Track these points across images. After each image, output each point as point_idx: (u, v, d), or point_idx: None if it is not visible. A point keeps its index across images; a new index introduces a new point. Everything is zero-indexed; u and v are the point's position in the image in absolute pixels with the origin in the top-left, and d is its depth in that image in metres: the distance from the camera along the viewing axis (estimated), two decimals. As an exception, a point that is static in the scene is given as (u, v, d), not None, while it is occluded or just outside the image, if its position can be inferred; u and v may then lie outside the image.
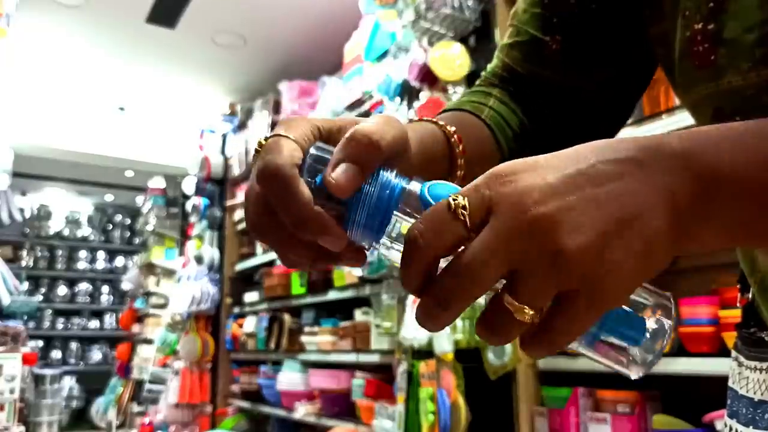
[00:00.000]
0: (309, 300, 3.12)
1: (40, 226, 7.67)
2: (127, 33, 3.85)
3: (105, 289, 8.11)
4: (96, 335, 7.97)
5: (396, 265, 0.38)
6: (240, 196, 4.15)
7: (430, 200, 0.36)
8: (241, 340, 3.82)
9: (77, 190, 7.84)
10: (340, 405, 2.72)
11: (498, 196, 0.32)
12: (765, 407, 0.48)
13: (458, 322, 1.93)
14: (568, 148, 0.35)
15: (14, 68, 4.26)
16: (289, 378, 3.08)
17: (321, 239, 0.37)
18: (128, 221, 8.40)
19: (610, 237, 0.31)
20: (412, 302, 2.06)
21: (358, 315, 2.72)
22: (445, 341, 1.89)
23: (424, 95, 2.15)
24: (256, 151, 0.39)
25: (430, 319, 0.34)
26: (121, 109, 5.15)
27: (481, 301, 0.35)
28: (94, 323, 7.99)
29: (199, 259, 4.19)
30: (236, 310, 4.06)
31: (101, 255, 8.22)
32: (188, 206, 4.63)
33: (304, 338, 3.07)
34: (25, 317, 6.22)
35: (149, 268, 5.68)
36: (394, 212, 0.37)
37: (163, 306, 5.18)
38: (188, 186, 4.58)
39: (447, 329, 1.91)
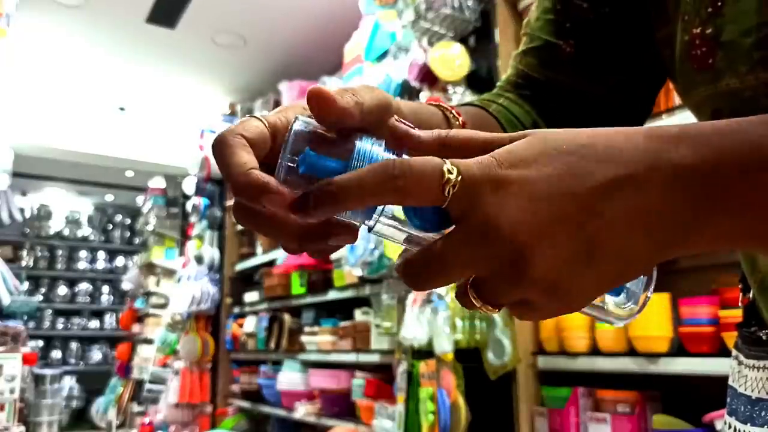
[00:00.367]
0: (309, 300, 3.12)
1: (40, 226, 7.67)
2: (128, 33, 3.85)
3: (105, 289, 8.11)
4: (96, 335, 7.97)
5: (390, 242, 0.38)
6: (240, 196, 4.16)
7: None
8: (241, 340, 3.82)
9: (77, 190, 7.85)
10: (340, 405, 2.73)
11: (482, 201, 0.32)
12: (763, 405, 0.49)
13: (458, 322, 1.93)
14: (580, 137, 0.34)
15: (14, 68, 4.26)
16: (289, 378, 3.08)
17: (264, 200, 0.34)
18: (128, 221, 8.40)
19: (581, 266, 0.32)
20: (411, 302, 2.06)
21: (358, 315, 2.73)
22: (445, 341, 1.90)
23: (424, 95, 2.15)
24: None
25: (406, 274, 0.34)
26: (122, 109, 5.15)
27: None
28: (94, 323, 7.99)
29: (199, 259, 4.20)
30: (236, 310, 4.06)
31: (101, 255, 8.23)
32: (188, 206, 4.63)
33: (304, 338, 3.07)
34: (25, 317, 6.23)
35: (149, 268, 5.68)
36: None
37: (163, 306, 5.18)
38: (188, 186, 4.58)
39: (447, 329, 1.91)
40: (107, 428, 5.74)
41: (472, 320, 1.93)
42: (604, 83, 0.61)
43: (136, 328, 5.84)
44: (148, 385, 4.90)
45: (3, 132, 4.56)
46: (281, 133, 0.38)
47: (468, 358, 1.94)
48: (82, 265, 8.01)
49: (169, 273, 5.31)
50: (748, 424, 0.50)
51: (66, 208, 8.21)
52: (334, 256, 2.89)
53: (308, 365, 3.08)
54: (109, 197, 8.25)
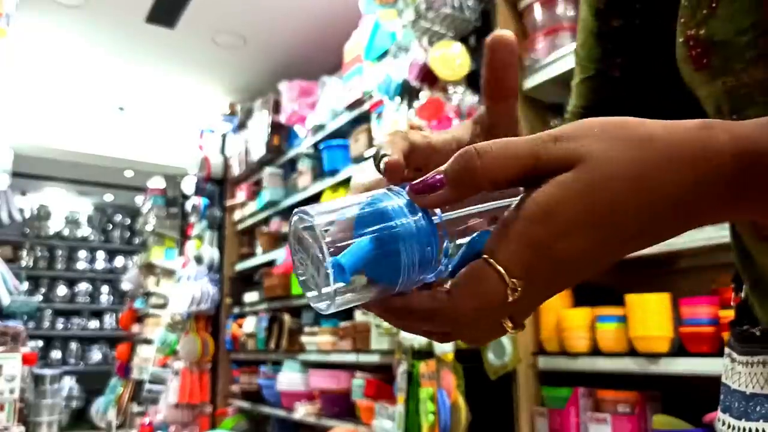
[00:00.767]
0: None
1: (39, 226, 7.67)
2: (127, 33, 3.85)
3: (105, 289, 8.11)
4: (96, 335, 7.97)
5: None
6: (240, 196, 4.16)
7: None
8: (241, 340, 3.82)
9: (77, 190, 7.85)
10: (340, 405, 2.72)
11: (541, 271, 0.32)
12: (757, 400, 0.50)
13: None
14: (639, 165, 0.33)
15: (14, 68, 4.26)
16: (289, 378, 3.08)
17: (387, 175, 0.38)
18: (128, 221, 8.40)
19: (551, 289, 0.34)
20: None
21: (358, 315, 2.73)
22: (445, 341, 1.89)
23: (424, 95, 2.15)
24: None
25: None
26: (121, 109, 5.15)
27: None
28: (93, 323, 7.99)
29: (198, 259, 4.19)
30: (236, 310, 4.06)
31: (101, 255, 8.23)
32: (188, 206, 4.63)
33: (304, 338, 3.07)
34: (25, 317, 6.22)
35: (149, 268, 5.68)
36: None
37: (162, 306, 5.18)
38: (188, 186, 4.58)
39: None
40: (107, 428, 5.74)
41: (472, 320, 1.92)
42: (659, 95, 0.62)
43: (135, 328, 5.84)
44: (147, 386, 4.90)
45: (3, 132, 4.56)
46: (436, 150, 0.41)
47: (468, 358, 1.94)
48: (81, 265, 8.01)
49: (169, 273, 5.31)
50: (743, 420, 0.51)
51: (65, 208, 8.21)
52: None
53: (308, 365, 3.08)
54: (109, 197, 8.25)
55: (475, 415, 1.92)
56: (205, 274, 4.18)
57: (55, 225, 7.96)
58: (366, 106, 2.82)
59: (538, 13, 2.04)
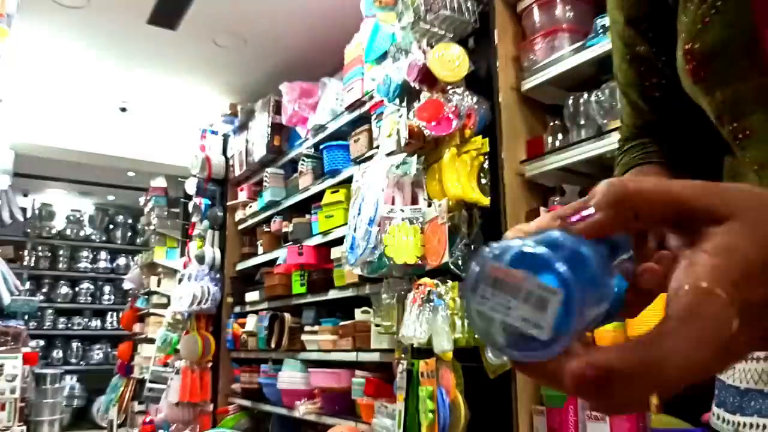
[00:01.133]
0: (309, 299, 3.14)
1: (42, 226, 7.68)
2: (129, 34, 3.87)
3: (107, 288, 8.12)
4: (97, 335, 7.99)
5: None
6: (241, 196, 4.17)
7: None
8: (242, 339, 3.84)
9: (79, 190, 7.86)
10: (341, 403, 2.74)
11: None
12: (751, 395, 0.51)
13: (458, 321, 1.94)
14: None
15: (16, 69, 4.28)
16: (290, 377, 3.09)
17: None
18: (130, 221, 8.42)
19: None
20: (411, 302, 2.07)
21: (358, 314, 2.74)
22: (444, 340, 1.91)
23: (424, 96, 2.16)
24: None
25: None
26: (123, 109, 5.17)
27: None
28: (95, 323, 8.00)
29: (200, 259, 4.21)
30: (237, 309, 4.07)
31: (103, 255, 8.24)
32: (190, 206, 4.64)
33: (304, 337, 3.09)
34: (26, 317, 6.24)
35: (151, 268, 5.70)
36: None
37: (164, 305, 5.20)
38: (190, 186, 4.59)
39: (446, 328, 1.92)
40: (108, 427, 5.76)
41: (471, 319, 1.93)
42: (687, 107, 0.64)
43: (137, 327, 5.85)
44: (149, 384, 4.91)
45: (5, 132, 4.58)
46: None
47: (467, 357, 1.95)
48: (83, 264, 8.02)
49: (171, 272, 5.33)
50: (738, 414, 0.52)
51: (67, 208, 8.23)
52: (334, 255, 2.91)
53: (309, 364, 3.09)
54: (111, 197, 8.27)
55: (474, 413, 1.93)
56: (206, 274, 4.20)
57: (57, 225, 7.98)
58: (366, 107, 2.83)
59: (536, 14, 2.06)
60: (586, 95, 1.92)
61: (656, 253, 0.34)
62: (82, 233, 8.13)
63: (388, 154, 2.33)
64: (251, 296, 3.82)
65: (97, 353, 7.85)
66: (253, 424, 3.81)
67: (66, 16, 3.65)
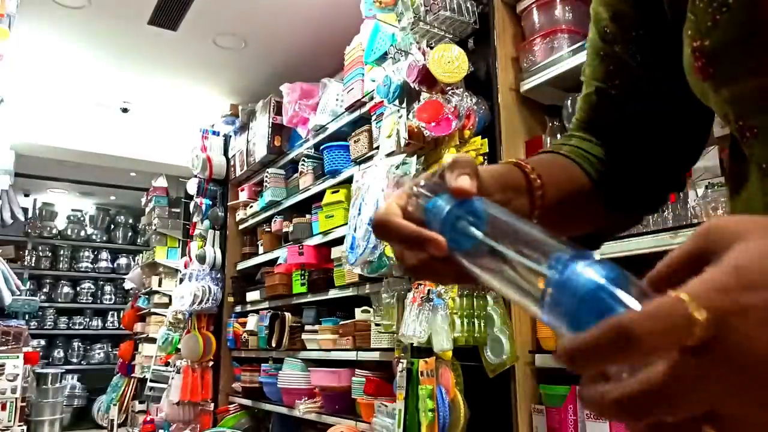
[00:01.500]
0: (310, 299, 3.15)
1: (43, 225, 7.69)
2: (130, 35, 3.87)
3: (108, 288, 8.13)
4: (98, 334, 8.00)
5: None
6: (242, 197, 4.19)
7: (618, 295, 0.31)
8: (243, 338, 3.85)
9: (80, 190, 7.87)
10: (341, 402, 2.75)
11: (736, 329, 0.28)
12: None
13: (457, 320, 1.95)
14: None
15: (17, 69, 4.29)
16: (291, 376, 3.10)
17: (427, 249, 0.46)
18: (131, 221, 8.43)
19: None
20: (411, 301, 2.08)
21: (359, 313, 2.75)
22: (444, 339, 1.92)
23: (424, 97, 2.17)
24: None
25: (599, 410, 0.31)
26: (124, 110, 5.18)
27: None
28: (96, 322, 8.02)
29: (201, 259, 4.22)
30: (238, 308, 4.08)
31: (104, 255, 8.25)
32: (191, 206, 4.66)
33: (305, 336, 3.10)
34: (27, 317, 6.25)
35: (152, 268, 5.71)
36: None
37: (165, 305, 5.21)
38: (191, 186, 4.61)
39: (446, 327, 1.93)
40: (109, 427, 5.77)
41: (470, 319, 1.95)
42: (657, 114, 0.66)
43: (138, 327, 5.86)
44: (150, 384, 4.92)
45: (6, 132, 4.59)
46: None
47: (467, 356, 1.96)
48: (84, 264, 8.03)
49: (172, 272, 5.34)
50: None
51: (69, 208, 8.24)
52: (334, 255, 2.92)
53: (309, 363, 3.10)
54: (112, 197, 8.28)
55: (474, 412, 1.94)
56: (207, 273, 4.21)
57: (58, 225, 7.99)
58: (366, 108, 2.85)
59: (535, 15, 2.06)
60: (584, 96, 1.92)
61: None
62: (83, 233, 8.14)
63: (388, 155, 2.34)
64: (252, 296, 3.83)
65: (98, 353, 7.86)
66: (254, 423, 3.82)
67: (67, 16, 3.66)
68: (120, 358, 6.11)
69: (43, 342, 7.40)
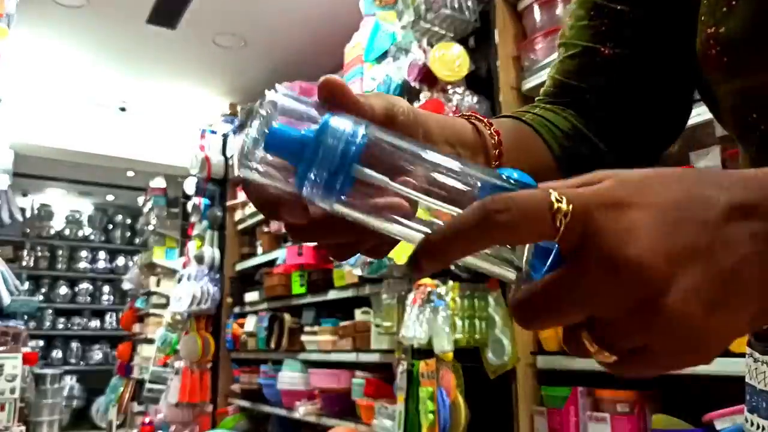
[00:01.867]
0: (309, 300, 3.13)
1: (41, 226, 7.68)
2: (128, 34, 3.86)
3: (106, 288, 8.12)
4: (97, 335, 7.98)
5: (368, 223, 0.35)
6: (241, 196, 4.17)
7: (506, 183, 0.32)
8: (242, 339, 3.83)
9: (78, 190, 7.86)
10: (341, 404, 2.73)
11: (603, 227, 0.29)
12: None
13: (458, 321, 1.94)
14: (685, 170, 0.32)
15: (16, 68, 4.27)
16: (290, 377, 3.08)
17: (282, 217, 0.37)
18: (129, 221, 8.41)
19: (718, 305, 0.29)
20: (411, 302, 2.07)
21: (358, 314, 2.73)
22: (444, 340, 1.90)
23: (424, 96, 2.15)
24: None
25: (518, 315, 0.31)
26: (122, 109, 5.17)
27: None
28: (94, 323, 8.00)
29: (199, 259, 4.21)
30: (237, 309, 4.07)
31: (102, 255, 8.24)
32: (189, 206, 4.64)
33: (304, 338, 3.08)
34: (26, 317, 6.23)
35: (150, 268, 5.69)
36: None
37: (163, 306, 5.19)
38: (189, 186, 4.59)
39: (446, 329, 1.92)
40: (108, 428, 5.75)
41: (471, 320, 1.93)
42: (646, 84, 0.60)
43: (136, 327, 5.85)
44: (148, 385, 4.90)
45: (4, 132, 4.57)
46: None
47: (468, 357, 1.95)
48: (82, 265, 8.02)
49: (170, 273, 5.32)
50: None
51: (67, 208, 8.22)
52: (334, 256, 2.90)
53: (308, 365, 3.08)
54: (110, 197, 8.26)
55: (475, 414, 1.93)
56: (205, 274, 4.20)
57: (56, 225, 7.97)
58: (366, 107, 2.82)
59: (537, 14, 2.05)
60: (586, 95, 1.91)
61: None
62: (81, 233, 8.13)
63: (388, 154, 2.32)
64: (251, 296, 3.82)
65: (97, 353, 7.85)
66: (253, 425, 3.81)
67: (65, 15, 3.64)
68: (118, 359, 6.09)
69: (41, 343, 7.38)
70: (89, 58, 4.23)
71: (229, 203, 4.31)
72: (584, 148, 0.60)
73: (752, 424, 0.52)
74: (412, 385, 2.05)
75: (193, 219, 4.55)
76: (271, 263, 3.63)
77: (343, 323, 2.82)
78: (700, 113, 1.05)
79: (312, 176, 0.33)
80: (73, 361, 7.67)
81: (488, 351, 1.89)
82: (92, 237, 8.22)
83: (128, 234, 8.43)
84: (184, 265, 4.50)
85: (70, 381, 7.27)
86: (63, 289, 7.82)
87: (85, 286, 7.96)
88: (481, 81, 2.11)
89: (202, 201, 4.42)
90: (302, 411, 2.91)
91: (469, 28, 2.14)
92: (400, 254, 2.08)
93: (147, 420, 4.70)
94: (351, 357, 2.68)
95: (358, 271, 2.44)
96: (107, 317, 8.09)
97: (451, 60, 2.06)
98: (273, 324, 3.43)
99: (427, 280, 2.05)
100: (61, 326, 7.73)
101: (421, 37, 2.16)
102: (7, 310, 4.61)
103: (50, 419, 5.94)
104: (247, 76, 4.38)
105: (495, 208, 0.29)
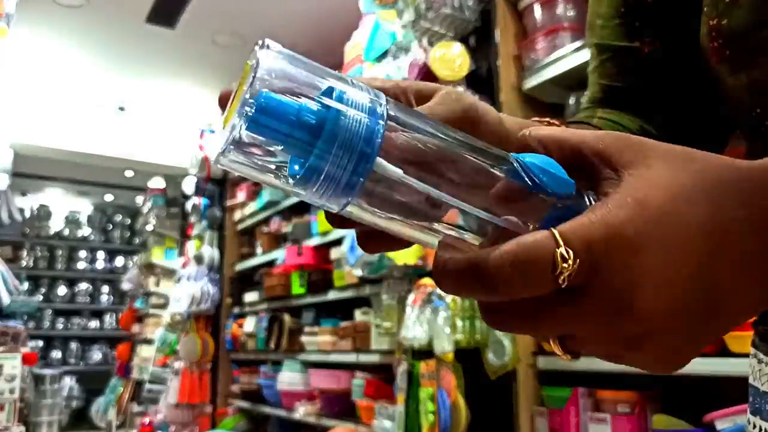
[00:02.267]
0: (309, 300, 3.13)
1: (40, 226, 7.67)
2: (127, 33, 3.85)
3: (105, 289, 8.12)
4: (96, 335, 7.97)
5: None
6: (240, 196, 4.16)
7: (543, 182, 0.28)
8: (241, 340, 3.82)
9: (77, 190, 7.85)
10: (340, 405, 2.73)
11: (610, 275, 0.28)
12: None
13: (458, 322, 1.93)
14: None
15: (15, 68, 4.26)
16: (289, 378, 3.08)
17: None
18: (128, 221, 8.40)
19: (698, 335, 0.31)
20: (411, 303, 2.06)
21: (358, 315, 2.73)
22: (445, 341, 1.90)
23: (424, 95, 2.15)
24: None
25: (490, 318, 0.30)
26: (121, 109, 5.16)
27: None
28: (94, 323, 7.99)
29: (198, 259, 4.20)
30: (236, 310, 4.06)
31: (101, 255, 8.23)
32: (188, 206, 4.63)
33: (304, 338, 3.07)
34: (25, 317, 6.21)
35: (149, 268, 5.68)
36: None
37: (163, 306, 5.18)
38: (188, 186, 4.58)
39: (447, 329, 1.91)
40: (107, 428, 5.74)
41: (472, 320, 1.93)
42: (691, 77, 0.58)
43: (136, 328, 5.84)
44: (148, 385, 4.90)
45: (3, 132, 4.56)
46: None
47: (468, 358, 1.94)
48: (81, 265, 8.01)
49: (169, 273, 5.31)
50: None
51: (66, 208, 8.21)
52: (333, 255, 2.89)
53: (308, 365, 3.08)
54: (109, 197, 8.25)
55: (475, 414, 1.92)
56: (205, 274, 4.19)
57: (55, 225, 7.96)
58: (366, 107, 2.82)
59: (537, 13, 2.04)
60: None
61: None
62: (80, 233, 8.12)
63: (388, 154, 2.31)
64: (250, 297, 3.81)
65: (96, 354, 7.84)
66: (252, 425, 3.80)
67: (65, 15, 3.63)
68: (118, 360, 6.08)
69: (40, 343, 7.37)
70: (88, 58, 4.22)
71: (228, 203, 4.30)
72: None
73: (755, 427, 0.52)
74: (412, 385, 2.04)
75: (192, 219, 4.54)
76: (271, 263, 3.62)
77: (343, 324, 2.81)
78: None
79: (323, 168, 0.26)
80: (72, 361, 7.66)
81: (489, 352, 1.88)
82: (91, 237, 8.22)
83: (127, 234, 8.42)
84: (184, 266, 4.49)
85: (69, 381, 7.26)
86: (62, 290, 7.81)
87: (84, 286, 7.96)
88: (481, 80, 2.10)
89: (201, 201, 4.41)
90: (302, 412, 2.90)
91: (469, 27, 2.14)
92: (400, 255, 2.08)
93: (146, 420, 4.69)
94: (351, 357, 2.68)
95: (358, 272, 2.43)
96: (106, 317, 8.09)
97: (452, 59, 2.05)
98: (272, 324, 3.42)
99: (427, 280, 2.04)
100: (60, 326, 7.72)
101: (422, 36, 2.15)
102: (6, 310, 4.60)
103: (50, 419, 5.94)
104: (246, 76, 4.38)
105: (497, 273, 0.27)
